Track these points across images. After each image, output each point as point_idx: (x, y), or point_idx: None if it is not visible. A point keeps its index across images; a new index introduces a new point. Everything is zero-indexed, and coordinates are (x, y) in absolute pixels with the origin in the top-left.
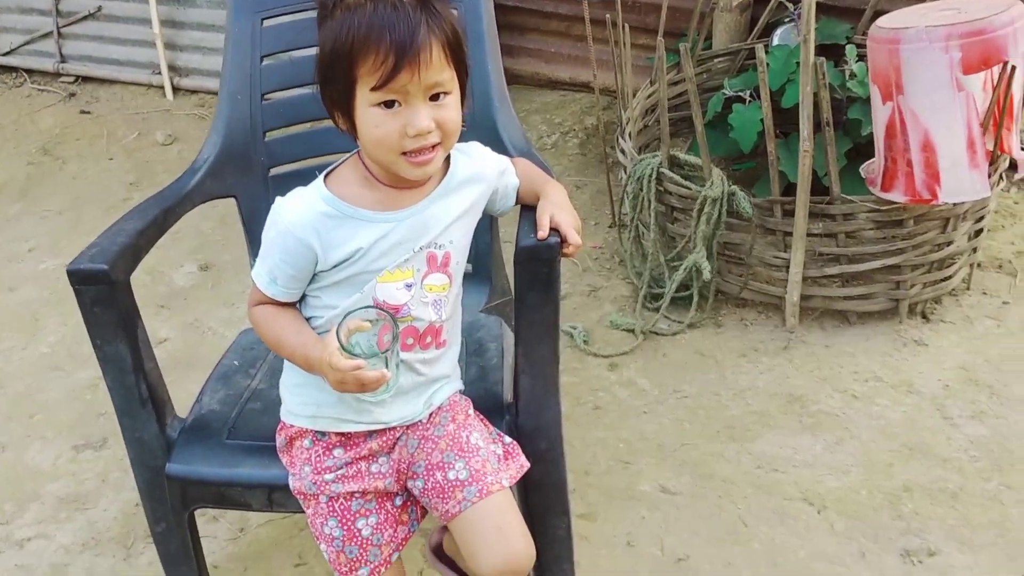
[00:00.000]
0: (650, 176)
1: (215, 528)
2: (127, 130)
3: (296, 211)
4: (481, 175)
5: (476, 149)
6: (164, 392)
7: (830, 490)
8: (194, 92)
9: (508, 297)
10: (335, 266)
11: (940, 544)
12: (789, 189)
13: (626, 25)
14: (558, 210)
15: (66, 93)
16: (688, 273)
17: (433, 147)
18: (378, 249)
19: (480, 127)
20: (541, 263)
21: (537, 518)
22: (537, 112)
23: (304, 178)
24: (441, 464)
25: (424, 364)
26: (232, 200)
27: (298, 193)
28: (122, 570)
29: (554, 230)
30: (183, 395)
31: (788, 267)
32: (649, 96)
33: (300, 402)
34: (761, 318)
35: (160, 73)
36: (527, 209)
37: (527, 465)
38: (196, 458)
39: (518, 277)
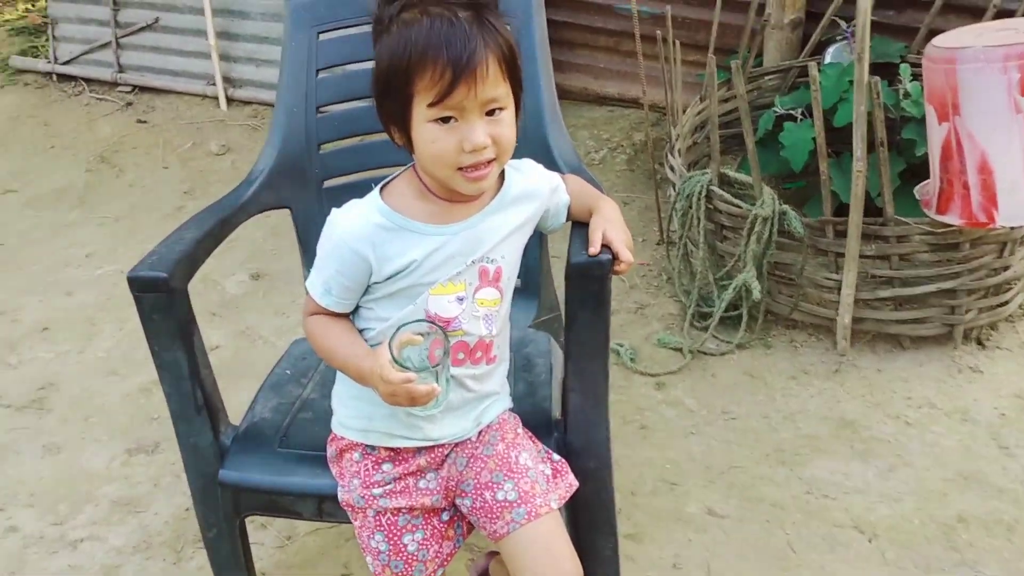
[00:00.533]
0: (700, 193)
1: (263, 535)
2: (182, 140)
3: (352, 222)
4: (534, 192)
5: (529, 166)
6: (219, 400)
7: (882, 518)
8: (247, 103)
9: (556, 313)
10: (389, 278)
11: None
12: (841, 210)
13: (676, 42)
14: (611, 226)
15: (123, 102)
16: (737, 293)
17: (488, 162)
18: (432, 262)
19: (531, 142)
20: (592, 280)
21: (584, 537)
22: (585, 127)
23: (358, 190)
24: (490, 484)
25: (474, 380)
26: (286, 211)
27: (354, 205)
28: (172, 574)
29: (606, 247)
30: (234, 402)
31: (840, 288)
32: (699, 113)
33: (352, 415)
34: (812, 340)
35: (215, 84)
36: (578, 225)
37: (576, 484)
38: (249, 466)
39: (569, 294)
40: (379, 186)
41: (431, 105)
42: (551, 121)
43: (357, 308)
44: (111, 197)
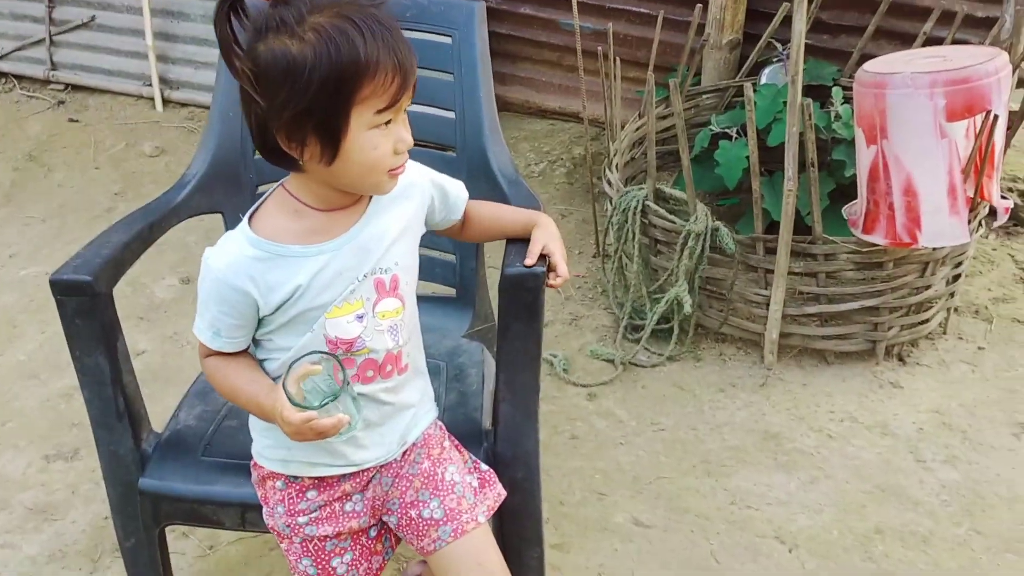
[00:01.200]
0: (635, 208)
1: (184, 545)
2: (115, 140)
3: (226, 260)
4: (411, 184)
5: None
6: (141, 406)
7: (802, 528)
8: (184, 105)
9: (491, 323)
10: (278, 308)
11: None
12: (772, 227)
13: (617, 58)
14: (550, 240)
15: (55, 101)
16: (669, 306)
17: None
18: (319, 283)
19: (470, 153)
20: (526, 291)
21: (511, 547)
22: (526, 140)
23: None
24: (415, 502)
25: (388, 392)
26: (218, 216)
27: (226, 240)
28: None
29: (542, 258)
30: (159, 409)
31: (768, 304)
32: (637, 129)
33: (269, 444)
34: (740, 354)
35: (151, 85)
36: (514, 240)
37: (504, 494)
38: (170, 474)
39: (502, 304)
40: (247, 215)
41: (380, 111)
42: (490, 133)
43: (256, 340)
44: (39, 197)
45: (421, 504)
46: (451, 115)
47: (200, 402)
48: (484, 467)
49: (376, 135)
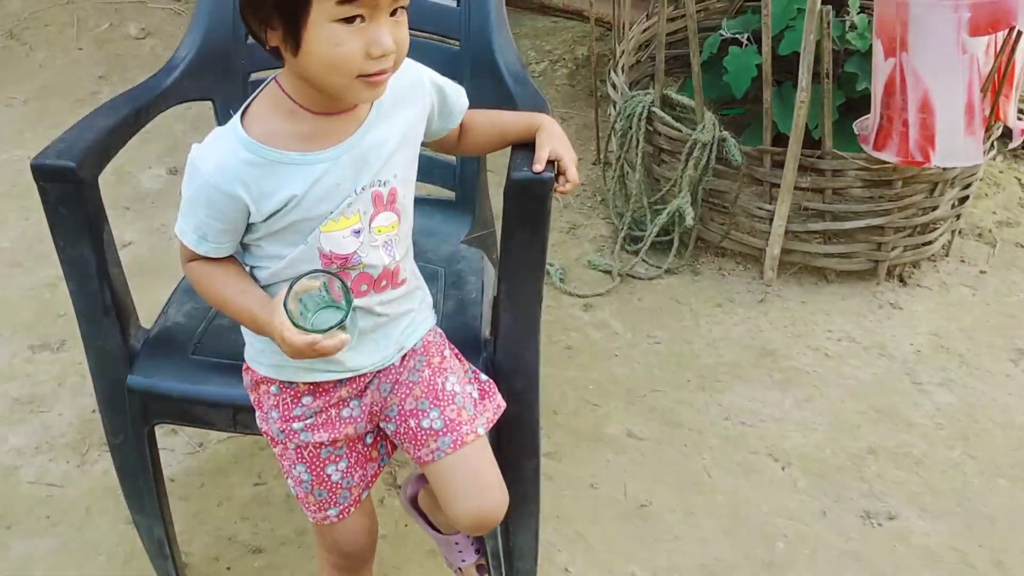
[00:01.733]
0: (640, 114)
1: (173, 441)
2: (99, 20)
3: (216, 162)
4: (413, 87)
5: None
6: (129, 300)
7: (796, 447)
8: None
9: (491, 229)
10: (270, 216)
11: (900, 509)
12: (778, 140)
13: None
14: (559, 143)
15: None
16: (671, 218)
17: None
18: (315, 194)
19: (474, 48)
20: (533, 198)
21: (507, 457)
22: (527, 37)
23: None
24: (415, 411)
25: (383, 305)
26: (208, 103)
27: (216, 139)
28: (75, 477)
29: (550, 163)
30: (146, 303)
31: (772, 219)
32: (645, 30)
33: (262, 349)
34: (739, 269)
35: None
36: (519, 144)
37: (503, 406)
38: (159, 371)
39: (507, 211)
40: (240, 112)
41: (343, 2)
42: (497, 25)
43: (244, 245)
44: (19, 77)
45: (420, 413)
46: (454, 3)
47: (189, 299)
48: (484, 377)
49: (340, 30)
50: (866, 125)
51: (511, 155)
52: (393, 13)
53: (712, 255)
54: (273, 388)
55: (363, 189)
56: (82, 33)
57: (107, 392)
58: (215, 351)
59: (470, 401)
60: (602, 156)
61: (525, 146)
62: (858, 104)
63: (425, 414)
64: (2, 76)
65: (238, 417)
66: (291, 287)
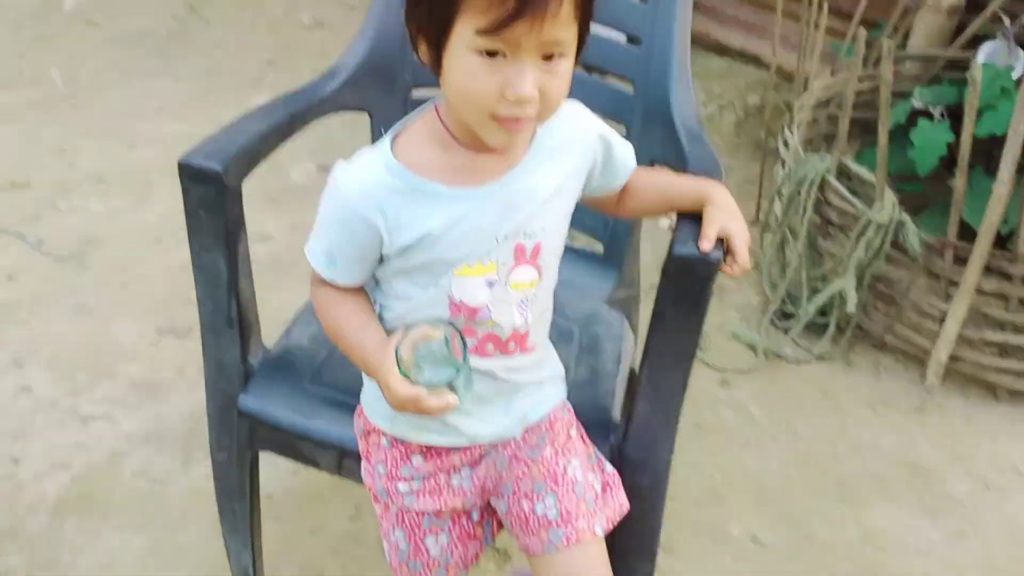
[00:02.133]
0: (813, 181)
1: (277, 457)
2: (275, 4)
3: (358, 182)
4: (578, 138)
5: (569, 106)
6: (254, 315)
7: None
8: None
9: (636, 290)
10: (403, 252)
11: None
12: (962, 232)
13: (824, 3)
14: (731, 220)
15: None
16: (830, 300)
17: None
18: (453, 236)
19: (649, 94)
20: (695, 279)
21: (620, 557)
22: (696, 77)
23: None
24: (530, 493)
25: (508, 371)
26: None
27: (362, 158)
28: (177, 475)
29: (719, 241)
30: (275, 302)
31: (943, 320)
32: (827, 87)
33: (378, 396)
34: (898, 368)
35: None
36: (685, 214)
37: (626, 506)
38: (272, 397)
39: (663, 288)
40: (391, 134)
41: (481, 32)
42: (679, 72)
43: (376, 280)
44: (193, 52)
45: (536, 496)
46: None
47: (316, 321)
48: (609, 468)
49: (477, 62)
50: None
51: (676, 224)
52: (548, 58)
53: (869, 346)
54: (384, 441)
55: (505, 238)
56: (258, 15)
57: (218, 407)
58: (333, 383)
59: (591, 493)
60: (762, 217)
61: (691, 215)
62: None
63: (541, 498)
64: (176, 49)
65: (344, 461)
66: (408, 332)
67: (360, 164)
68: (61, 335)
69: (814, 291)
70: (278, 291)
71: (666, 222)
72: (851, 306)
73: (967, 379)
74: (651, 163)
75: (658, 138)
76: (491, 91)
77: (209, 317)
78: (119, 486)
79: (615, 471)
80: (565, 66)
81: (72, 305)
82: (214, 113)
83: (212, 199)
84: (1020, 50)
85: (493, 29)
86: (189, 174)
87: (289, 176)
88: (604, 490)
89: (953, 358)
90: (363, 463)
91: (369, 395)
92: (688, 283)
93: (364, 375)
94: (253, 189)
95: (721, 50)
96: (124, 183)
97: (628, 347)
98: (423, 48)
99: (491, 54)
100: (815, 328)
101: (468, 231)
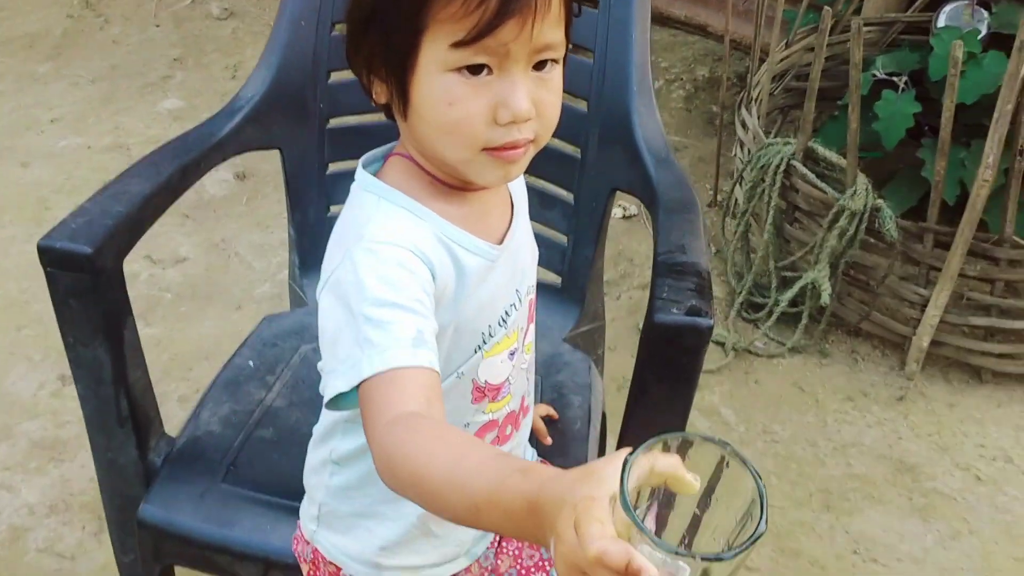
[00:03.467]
0: (778, 167)
1: None
2: None
3: (402, 223)
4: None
5: None
6: (151, 408)
7: None
8: None
9: (599, 323)
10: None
11: None
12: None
13: None
14: None
15: None
16: (801, 289)
17: (528, 141)
18: (480, 297)
19: (607, 113)
20: (682, 351)
21: None
22: None
23: (370, 136)
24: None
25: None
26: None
27: (377, 206)
28: (89, 548)
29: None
30: (195, 334)
31: (924, 306)
32: (782, 60)
33: (354, 535)
34: (876, 355)
35: None
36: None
37: None
38: (178, 504)
39: (643, 361)
40: (374, 174)
41: (458, 45)
42: (639, 89)
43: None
44: (90, 53)
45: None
46: (587, 57)
47: (229, 398)
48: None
49: (457, 83)
50: None
51: (653, 284)
52: (539, 67)
53: (844, 335)
54: None
55: (518, 294)
56: (161, 8)
57: (117, 509)
58: (252, 478)
59: None
60: (720, 200)
61: (670, 273)
62: None
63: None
64: (71, 50)
65: (271, 574)
66: (633, 455)
67: (386, 208)
68: None
69: (784, 280)
70: (199, 322)
71: (619, 212)
72: (825, 298)
73: (948, 363)
74: (612, 192)
75: (619, 162)
76: (479, 116)
77: (94, 416)
78: (23, 567)
79: None
80: (557, 75)
81: None
82: (117, 122)
83: (85, 287)
84: (983, 11)
85: (473, 38)
86: (51, 259)
87: (204, 188)
88: None
89: (934, 343)
90: None
91: (326, 525)
92: (674, 355)
93: (315, 487)
94: None
95: (663, 20)
96: (17, 207)
97: (597, 398)
98: (378, 87)
99: (474, 71)
100: (786, 318)
101: (492, 292)
